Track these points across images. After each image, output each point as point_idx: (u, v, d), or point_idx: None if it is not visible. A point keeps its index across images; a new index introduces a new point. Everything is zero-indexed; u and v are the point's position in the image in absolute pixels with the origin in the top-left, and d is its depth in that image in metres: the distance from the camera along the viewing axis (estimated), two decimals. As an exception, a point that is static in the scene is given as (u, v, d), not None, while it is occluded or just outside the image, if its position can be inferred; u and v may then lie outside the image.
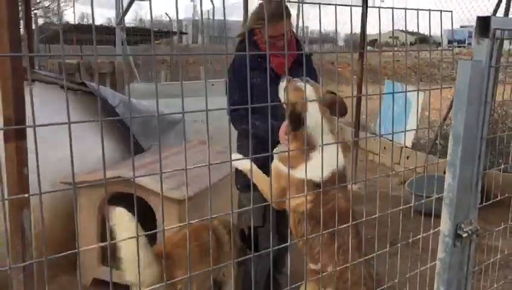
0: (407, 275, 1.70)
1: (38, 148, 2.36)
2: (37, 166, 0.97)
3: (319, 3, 1.27)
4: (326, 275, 2.19)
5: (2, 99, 2.20)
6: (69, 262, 3.85)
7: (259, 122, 2.73)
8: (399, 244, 1.68)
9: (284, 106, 2.50)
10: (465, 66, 1.49)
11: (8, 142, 2.21)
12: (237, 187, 3.14)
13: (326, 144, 1.75)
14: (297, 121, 2.39)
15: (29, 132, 2.25)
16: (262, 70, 2.77)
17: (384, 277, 2.20)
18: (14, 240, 2.34)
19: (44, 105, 3.18)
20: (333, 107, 2.44)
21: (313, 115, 2.45)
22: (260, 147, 2.38)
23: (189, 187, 3.38)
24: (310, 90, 2.50)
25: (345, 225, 1.82)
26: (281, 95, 2.57)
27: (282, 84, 2.58)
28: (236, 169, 2.90)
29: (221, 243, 3.10)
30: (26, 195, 2.10)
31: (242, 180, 3.04)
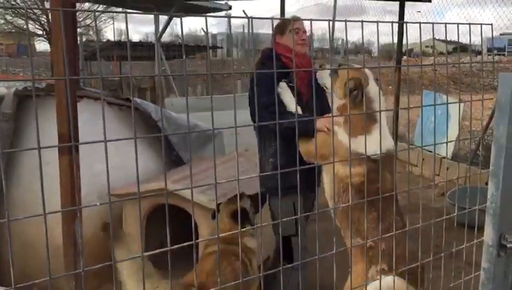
0: (451, 285, 1.70)
1: (86, 160, 2.47)
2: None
3: (362, 21, 1.32)
4: (375, 249, 2.21)
5: (57, 116, 2.35)
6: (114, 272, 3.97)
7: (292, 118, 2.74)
8: (442, 254, 1.69)
9: (326, 91, 2.74)
10: (507, 78, 1.51)
11: (63, 155, 2.35)
12: (263, 190, 3.03)
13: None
14: (359, 95, 2.51)
15: (81, 146, 2.39)
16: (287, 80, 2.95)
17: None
18: (67, 249, 2.46)
19: (93, 120, 3.34)
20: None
21: (374, 89, 2.61)
22: (286, 148, 2.51)
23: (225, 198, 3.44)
24: (366, 69, 2.69)
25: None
26: (325, 81, 2.79)
27: (322, 73, 2.79)
28: (263, 170, 3.01)
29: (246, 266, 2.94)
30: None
31: (269, 183, 2.98)
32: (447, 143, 6.42)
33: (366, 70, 2.66)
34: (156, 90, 6.48)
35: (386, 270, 2.19)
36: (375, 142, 1.98)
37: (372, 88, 2.62)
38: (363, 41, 1.54)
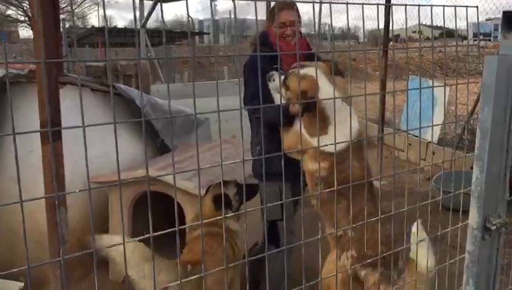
0: (436, 268, 1.71)
1: (70, 148, 2.44)
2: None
3: (347, 3, 1.30)
4: (346, 239, 2.31)
5: (39, 102, 2.30)
6: (102, 259, 3.96)
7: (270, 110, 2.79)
8: (427, 237, 1.70)
9: (284, 95, 2.70)
10: (492, 60, 1.50)
11: (45, 143, 2.30)
12: (253, 175, 3.19)
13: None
14: (311, 107, 2.49)
15: (64, 133, 2.35)
16: (274, 70, 2.85)
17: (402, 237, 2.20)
18: (52, 237, 2.43)
19: (76, 107, 3.27)
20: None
21: (325, 90, 2.57)
22: (271, 135, 2.63)
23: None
24: (318, 71, 2.60)
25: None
26: (275, 92, 2.79)
27: (272, 83, 2.76)
28: (253, 156, 3.07)
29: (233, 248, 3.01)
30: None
31: (259, 168, 3.11)
32: (432, 127, 6.46)
33: (318, 71, 2.59)
34: (139, 76, 6.41)
35: (355, 257, 2.25)
36: (333, 140, 2.01)
37: (324, 90, 2.59)
38: (348, 26, 1.52)
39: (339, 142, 1.74)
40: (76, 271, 3.66)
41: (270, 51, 2.97)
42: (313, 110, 2.47)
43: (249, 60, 3.15)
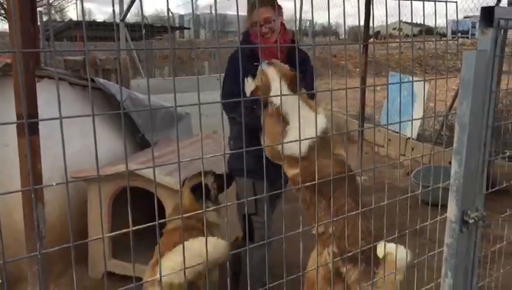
0: (415, 261, 1.73)
1: (49, 143, 2.39)
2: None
3: (328, -2, 1.30)
4: (327, 236, 2.32)
5: (15, 96, 2.25)
6: (81, 255, 3.92)
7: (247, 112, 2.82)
8: (407, 231, 1.71)
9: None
10: (470, 55, 1.52)
11: (21, 137, 2.25)
12: (228, 169, 3.16)
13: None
14: (266, 104, 2.59)
15: (42, 128, 2.31)
16: (255, 69, 2.86)
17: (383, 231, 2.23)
18: (29, 233, 2.39)
19: (54, 101, 3.21)
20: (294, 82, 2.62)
21: (277, 92, 2.59)
22: (246, 132, 2.51)
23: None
24: (271, 72, 2.69)
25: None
26: (247, 89, 2.81)
27: (247, 83, 2.83)
28: (229, 150, 3.12)
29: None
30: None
31: (232, 162, 3.12)
32: (412, 122, 6.54)
33: (270, 76, 2.68)
34: (121, 71, 6.32)
35: (336, 253, 2.27)
36: (294, 142, 2.05)
37: (275, 88, 2.65)
38: (329, 20, 1.52)
39: (293, 141, 1.73)
40: (55, 267, 3.61)
41: (250, 51, 2.95)
42: (268, 107, 2.58)
43: (229, 57, 3.15)
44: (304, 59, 3.20)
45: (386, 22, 1.87)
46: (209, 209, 2.90)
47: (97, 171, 1.16)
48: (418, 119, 6.10)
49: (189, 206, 2.98)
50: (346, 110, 2.10)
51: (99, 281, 3.82)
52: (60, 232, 3.74)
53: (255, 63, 2.79)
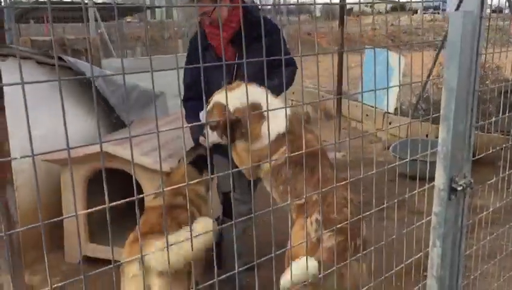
0: (394, 236, 1.69)
1: (17, 126, 2.28)
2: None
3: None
4: (309, 204, 2.34)
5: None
6: (58, 242, 3.81)
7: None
8: (385, 205, 1.67)
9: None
10: (457, 16, 1.46)
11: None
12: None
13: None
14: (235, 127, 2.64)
15: (9, 111, 2.20)
16: (209, 57, 3.01)
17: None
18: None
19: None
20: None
21: (232, 103, 2.60)
22: None
23: (172, 159, 3.33)
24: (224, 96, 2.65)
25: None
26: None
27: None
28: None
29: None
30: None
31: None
32: (387, 96, 6.54)
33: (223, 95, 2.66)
34: (90, 52, 6.11)
35: (319, 220, 2.28)
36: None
37: (232, 103, 2.62)
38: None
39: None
40: (30, 254, 3.49)
41: (203, 39, 3.05)
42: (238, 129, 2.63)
43: (189, 46, 3.25)
44: (268, 31, 2.97)
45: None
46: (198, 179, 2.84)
47: (68, 153, 1.06)
48: (395, 86, 6.03)
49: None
50: (318, 83, 2.03)
51: (77, 266, 3.72)
52: (32, 220, 3.61)
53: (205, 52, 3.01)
